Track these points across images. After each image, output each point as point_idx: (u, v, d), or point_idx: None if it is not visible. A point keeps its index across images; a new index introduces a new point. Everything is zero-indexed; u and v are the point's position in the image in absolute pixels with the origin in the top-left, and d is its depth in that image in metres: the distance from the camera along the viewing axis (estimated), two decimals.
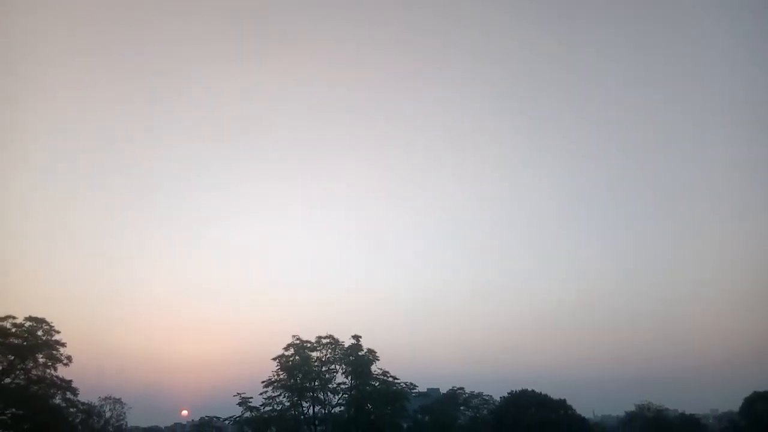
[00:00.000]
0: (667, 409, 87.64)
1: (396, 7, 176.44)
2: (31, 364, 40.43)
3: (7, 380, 39.22)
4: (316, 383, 46.77)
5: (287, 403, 46.13)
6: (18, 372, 39.94)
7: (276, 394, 46.26)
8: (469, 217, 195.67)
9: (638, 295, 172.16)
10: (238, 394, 46.78)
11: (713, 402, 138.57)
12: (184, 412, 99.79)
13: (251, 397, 46.84)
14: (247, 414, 46.26)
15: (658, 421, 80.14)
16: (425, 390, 63.29)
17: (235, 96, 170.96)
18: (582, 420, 76.02)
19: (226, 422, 49.52)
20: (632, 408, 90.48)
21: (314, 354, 48.39)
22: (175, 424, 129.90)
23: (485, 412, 73.72)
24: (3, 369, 39.15)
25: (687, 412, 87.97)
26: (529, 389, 76.88)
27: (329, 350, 48.67)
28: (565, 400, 74.58)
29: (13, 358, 39.38)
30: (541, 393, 75.28)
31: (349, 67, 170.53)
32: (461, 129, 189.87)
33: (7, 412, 38.05)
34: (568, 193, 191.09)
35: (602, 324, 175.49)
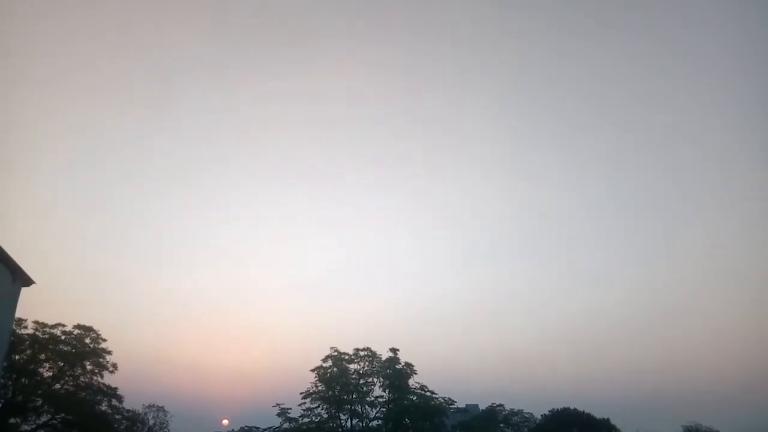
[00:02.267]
0: None
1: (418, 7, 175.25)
2: (79, 371, 41.70)
3: (57, 386, 40.58)
4: (354, 396, 46.80)
5: (325, 415, 46.25)
6: (67, 378, 41.27)
7: (314, 405, 46.49)
8: (508, 226, 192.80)
9: (686, 305, 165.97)
10: (278, 404, 47.22)
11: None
12: (225, 422, 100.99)
13: (290, 408, 47.20)
14: (286, 425, 46.58)
15: None
16: (464, 406, 62.60)
17: (276, 97, 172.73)
18: None
19: None
20: (679, 429, 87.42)
21: (352, 366, 48.50)
22: None
23: (526, 430, 72.34)
24: (53, 375, 40.51)
25: None
26: (571, 407, 75.22)
27: (367, 363, 48.71)
28: (608, 419, 72.61)
29: (62, 364, 40.73)
30: (583, 412, 73.49)
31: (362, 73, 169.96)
32: (490, 131, 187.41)
33: (57, 417, 39.33)
34: (607, 197, 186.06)
35: (647, 338, 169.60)
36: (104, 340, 42.96)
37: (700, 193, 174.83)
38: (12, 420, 37.78)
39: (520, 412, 73.27)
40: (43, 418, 39.12)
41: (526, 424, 72.98)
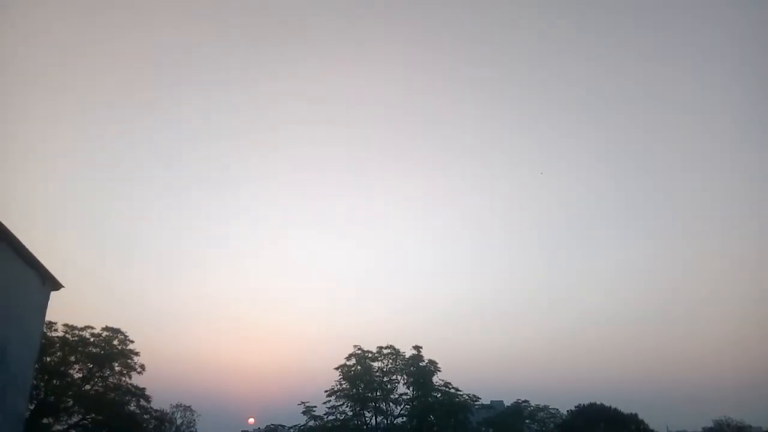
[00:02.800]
0: (750, 426, 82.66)
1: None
2: (108, 372, 42.38)
3: (87, 387, 41.33)
4: (378, 393, 46.94)
5: (350, 413, 46.48)
6: (96, 379, 42.01)
7: (339, 403, 46.75)
8: (528, 220, 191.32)
9: (715, 300, 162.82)
10: (302, 402, 47.60)
11: None
12: (251, 420, 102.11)
13: (315, 406, 47.55)
14: (311, 423, 46.92)
15: None
16: (488, 402, 62.25)
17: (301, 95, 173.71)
18: None
19: (291, 430, 50.36)
20: (710, 424, 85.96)
21: (375, 364, 48.62)
22: (242, 431, 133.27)
23: (552, 426, 71.64)
24: (83, 376, 41.27)
25: None
26: (598, 402, 74.39)
27: (390, 360, 48.79)
28: (636, 415, 71.67)
29: (92, 366, 41.47)
30: (610, 407, 72.64)
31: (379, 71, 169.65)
32: (504, 131, 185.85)
33: (88, 417, 40.07)
34: (632, 189, 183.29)
35: (674, 331, 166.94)
36: (132, 342, 43.65)
37: (718, 189, 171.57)
38: (45, 420, 38.57)
39: (545, 408, 72.68)
40: (74, 419, 39.86)
41: (552, 419, 72.29)
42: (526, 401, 71.93)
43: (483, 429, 55.99)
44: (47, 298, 18.44)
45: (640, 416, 72.04)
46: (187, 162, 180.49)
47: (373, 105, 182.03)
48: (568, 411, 73.30)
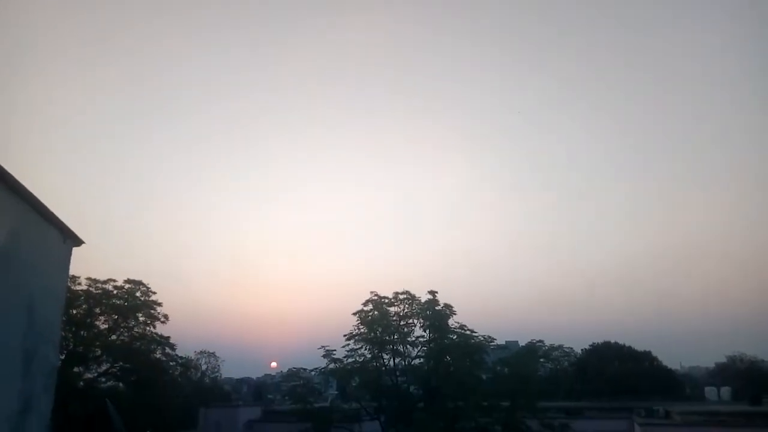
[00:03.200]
0: (762, 361, 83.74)
1: None
2: (133, 323, 43.42)
3: (113, 337, 42.58)
4: (396, 336, 47.82)
5: (368, 355, 47.51)
6: (122, 330, 43.18)
7: (357, 346, 47.72)
8: (540, 165, 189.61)
9: (729, 237, 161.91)
10: (323, 347, 48.67)
11: None
12: (273, 364, 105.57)
13: (335, 350, 48.60)
14: (332, 365, 48.10)
15: (752, 371, 76.87)
16: (503, 343, 63.29)
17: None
18: (668, 371, 74.16)
19: (312, 373, 51.86)
20: (723, 360, 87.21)
21: (392, 309, 49.30)
22: (265, 375, 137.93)
23: (566, 364, 73.01)
24: (109, 327, 42.45)
25: None
26: (612, 341, 75.52)
27: (406, 305, 49.42)
28: (650, 352, 72.88)
29: (116, 317, 42.54)
30: (624, 345, 73.83)
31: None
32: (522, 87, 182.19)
33: (116, 365, 41.52)
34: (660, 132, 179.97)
35: (688, 270, 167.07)
36: (154, 293, 44.45)
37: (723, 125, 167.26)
38: (75, 369, 39.99)
39: (560, 347, 73.66)
40: (103, 367, 41.26)
41: (566, 358, 73.43)
42: (540, 341, 72.69)
43: (498, 368, 57.10)
44: (69, 254, 18.79)
45: (654, 353, 73.26)
46: (201, 114, 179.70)
47: (379, 56, 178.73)
48: (582, 350, 74.71)
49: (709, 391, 66.48)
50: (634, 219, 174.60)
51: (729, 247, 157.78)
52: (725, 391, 64.44)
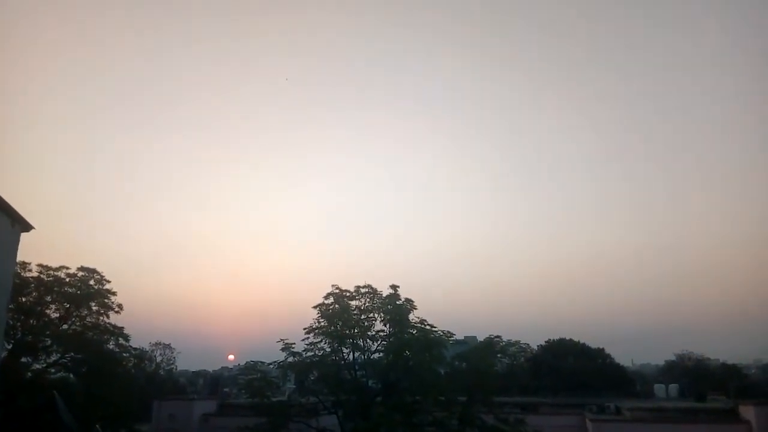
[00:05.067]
0: (708, 359, 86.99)
1: None
2: (86, 312, 42.25)
3: (65, 326, 41.31)
4: (356, 330, 47.81)
5: (328, 349, 47.38)
6: (74, 319, 41.94)
7: (317, 340, 47.52)
8: (508, 164, 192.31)
9: (680, 240, 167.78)
10: (282, 340, 48.26)
11: (757, 352, 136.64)
12: (231, 357, 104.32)
13: (294, 343, 48.32)
14: (291, 359, 47.81)
15: (699, 370, 79.76)
16: (462, 338, 64.03)
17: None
18: (620, 368, 76.21)
19: (271, 366, 51.46)
20: (672, 357, 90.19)
21: (353, 303, 49.28)
22: (222, 368, 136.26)
23: (522, 360, 74.41)
24: (60, 316, 41.16)
25: (729, 362, 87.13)
26: (567, 338, 77.15)
27: (368, 299, 49.44)
28: (603, 349, 74.76)
29: (68, 306, 41.29)
30: (579, 342, 75.51)
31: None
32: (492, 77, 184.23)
33: (67, 356, 40.25)
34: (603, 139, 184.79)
35: (641, 271, 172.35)
36: (108, 282, 43.36)
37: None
38: (23, 359, 38.67)
39: (517, 342, 74.89)
40: (53, 357, 39.96)
41: (522, 354, 74.81)
42: (498, 337, 73.75)
43: (456, 363, 57.78)
44: (17, 239, 18.08)
45: (607, 350, 75.19)
46: (162, 98, 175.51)
47: (358, 44, 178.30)
48: (538, 346, 76.17)
49: (658, 389, 68.65)
50: (593, 218, 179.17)
51: (685, 247, 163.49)
52: (673, 388, 66.65)
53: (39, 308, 39.99)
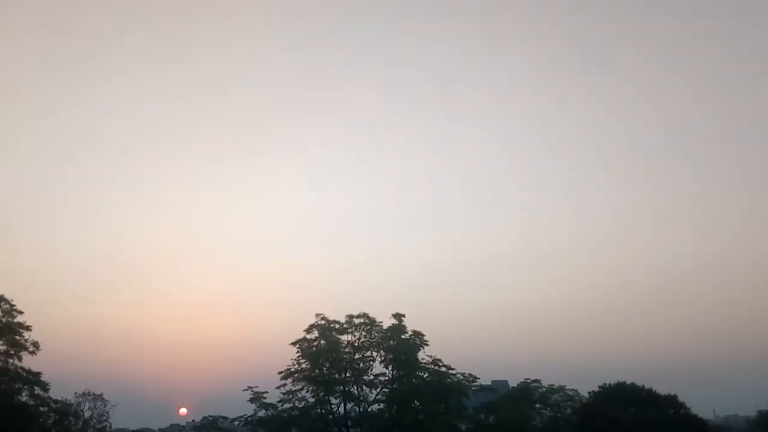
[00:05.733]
0: None
1: None
2: None
3: None
4: (348, 374, 47.77)
5: (311, 399, 47.35)
6: None
7: (297, 387, 47.51)
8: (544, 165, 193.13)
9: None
10: (250, 387, 48.22)
11: None
12: (183, 411, 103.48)
13: (266, 392, 48.23)
14: (262, 412, 47.72)
15: None
16: (489, 383, 63.95)
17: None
18: (699, 421, 75.88)
19: (236, 423, 51.31)
20: (766, 406, 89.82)
21: (344, 337, 49.26)
22: (172, 425, 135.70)
23: (569, 410, 74.01)
24: None
25: None
26: (628, 382, 76.81)
27: (364, 333, 49.43)
28: (676, 396, 74.40)
29: None
30: (643, 387, 75.14)
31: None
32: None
33: None
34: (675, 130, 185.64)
35: (724, 297, 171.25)
36: (20, 313, 43.16)
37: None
38: None
39: (561, 389, 74.83)
40: None
41: (569, 403, 74.56)
42: (536, 381, 73.92)
43: (482, 416, 57.71)
44: None
45: (680, 398, 74.85)
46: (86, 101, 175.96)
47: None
48: (589, 392, 75.73)
49: None
50: (659, 228, 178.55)
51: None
52: None
53: None
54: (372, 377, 48.80)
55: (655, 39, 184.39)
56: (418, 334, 49.26)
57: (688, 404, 74.64)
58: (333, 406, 47.98)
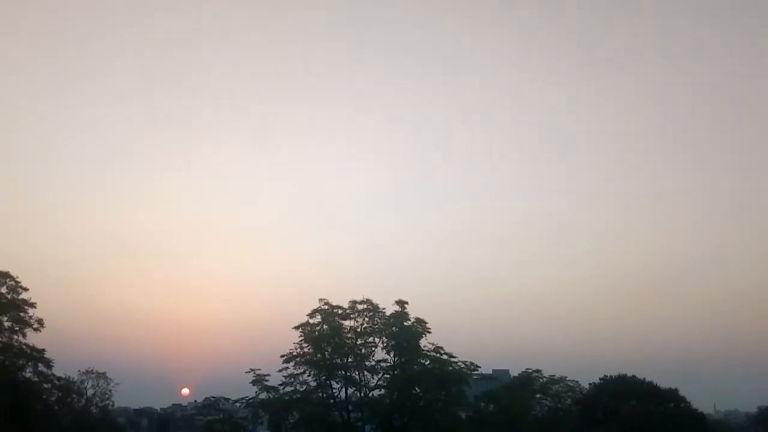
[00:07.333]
0: None
1: None
2: None
3: None
4: (350, 359, 47.91)
5: (313, 383, 47.54)
6: None
7: (299, 371, 47.68)
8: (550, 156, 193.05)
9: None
10: (252, 370, 48.43)
11: None
12: (185, 391, 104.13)
13: (268, 375, 48.44)
14: (263, 395, 47.94)
15: None
16: (490, 372, 64.05)
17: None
18: (699, 416, 75.87)
19: (237, 404, 51.56)
20: (767, 403, 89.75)
21: (347, 323, 49.37)
22: (174, 405, 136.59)
23: (569, 401, 74.15)
24: None
25: None
26: (629, 375, 76.78)
27: (366, 318, 49.53)
28: (677, 390, 74.37)
29: None
30: (644, 380, 75.13)
31: None
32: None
33: None
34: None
35: (728, 290, 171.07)
36: (25, 290, 43.27)
37: None
38: None
39: (562, 379, 74.95)
40: None
41: (569, 394, 74.69)
42: (537, 371, 74.07)
43: (482, 404, 57.77)
44: None
45: (681, 392, 74.80)
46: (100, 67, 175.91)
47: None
48: (590, 384, 75.80)
49: None
50: (663, 224, 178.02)
51: None
52: None
53: None
54: (374, 363, 48.94)
55: (663, 38, 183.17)
56: (420, 322, 49.33)
57: (688, 399, 74.64)
58: (334, 390, 48.14)
